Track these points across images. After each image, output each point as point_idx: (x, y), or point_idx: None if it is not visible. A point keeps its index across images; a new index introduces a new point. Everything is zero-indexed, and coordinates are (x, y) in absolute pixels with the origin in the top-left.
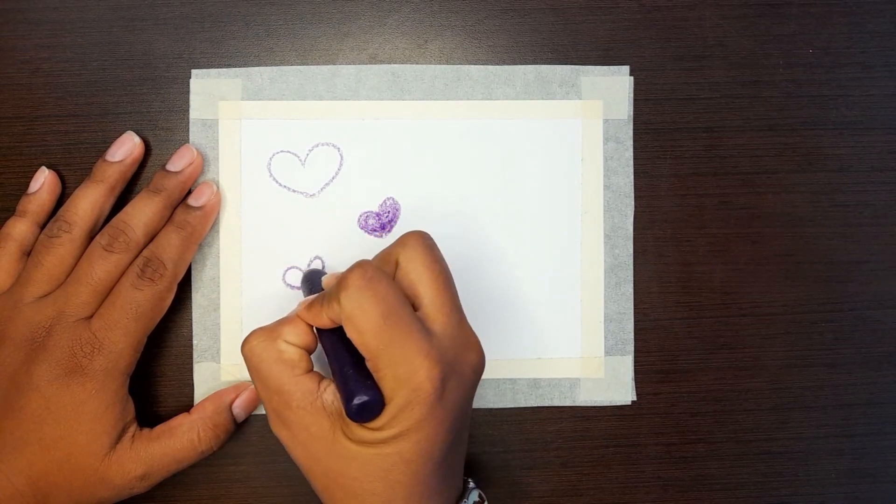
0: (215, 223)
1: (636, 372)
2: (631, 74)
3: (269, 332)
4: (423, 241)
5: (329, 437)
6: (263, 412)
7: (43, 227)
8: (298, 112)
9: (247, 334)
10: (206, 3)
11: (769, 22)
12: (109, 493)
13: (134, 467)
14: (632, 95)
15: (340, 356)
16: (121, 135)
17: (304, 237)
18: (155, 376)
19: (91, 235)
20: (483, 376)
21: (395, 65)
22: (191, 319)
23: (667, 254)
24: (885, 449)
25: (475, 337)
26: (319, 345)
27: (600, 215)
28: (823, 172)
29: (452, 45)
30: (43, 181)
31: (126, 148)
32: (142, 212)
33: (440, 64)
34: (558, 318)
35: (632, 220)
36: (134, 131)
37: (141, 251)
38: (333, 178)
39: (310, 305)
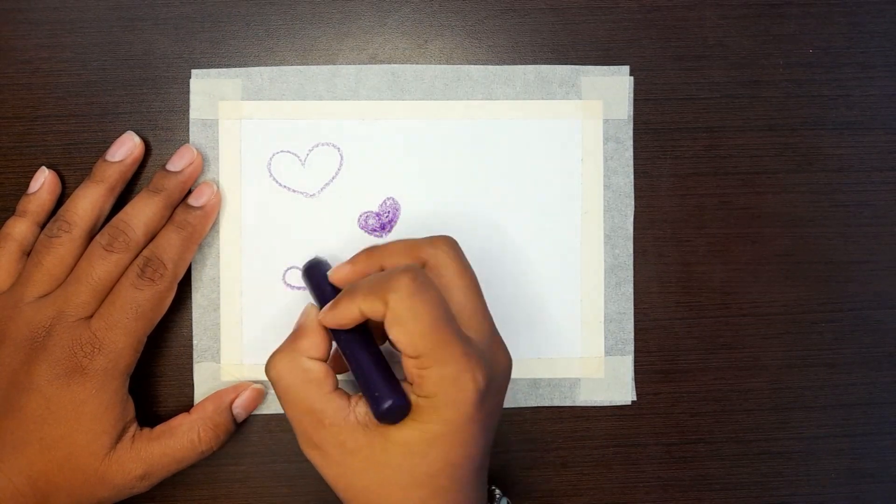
0: (215, 223)
1: (636, 372)
2: (631, 74)
3: (291, 351)
4: (454, 248)
5: (367, 450)
6: (263, 412)
7: (43, 227)
8: (298, 112)
9: (270, 356)
10: (206, 3)
11: (769, 22)
12: (109, 493)
13: (134, 467)
14: (632, 95)
15: (361, 358)
16: (121, 135)
17: (304, 237)
18: (155, 376)
19: (91, 235)
20: None
21: (395, 65)
22: (191, 319)
23: (667, 254)
24: (885, 449)
25: (503, 342)
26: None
27: (600, 215)
28: (823, 172)
29: (452, 45)
30: (43, 181)
31: (126, 148)
32: (142, 212)
33: (440, 64)
34: (558, 318)
35: (632, 220)
36: (134, 131)
37: (141, 251)
38: (333, 178)
39: (335, 304)
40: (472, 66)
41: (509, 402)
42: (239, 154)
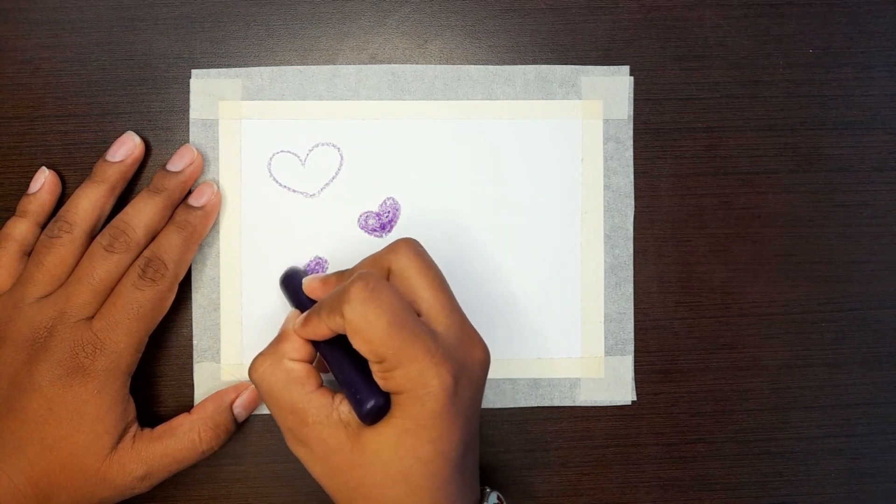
0: (215, 223)
1: (636, 372)
2: (631, 74)
3: (272, 354)
4: (414, 248)
5: (348, 448)
6: (263, 412)
7: (43, 227)
8: (298, 112)
9: (252, 361)
10: (206, 3)
11: (769, 22)
12: (110, 493)
13: (135, 467)
14: (632, 95)
15: (342, 363)
16: (121, 135)
17: (304, 237)
18: (155, 376)
19: (92, 235)
20: None
21: (395, 65)
22: (191, 319)
23: (667, 254)
24: (885, 449)
25: (478, 335)
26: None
27: (600, 215)
28: (823, 172)
29: (452, 45)
30: (43, 181)
31: (126, 148)
32: (142, 212)
33: (440, 64)
34: (558, 318)
35: (632, 220)
36: (134, 131)
37: (142, 251)
38: (333, 178)
39: (306, 321)
40: (472, 66)
41: (509, 402)
42: (239, 154)
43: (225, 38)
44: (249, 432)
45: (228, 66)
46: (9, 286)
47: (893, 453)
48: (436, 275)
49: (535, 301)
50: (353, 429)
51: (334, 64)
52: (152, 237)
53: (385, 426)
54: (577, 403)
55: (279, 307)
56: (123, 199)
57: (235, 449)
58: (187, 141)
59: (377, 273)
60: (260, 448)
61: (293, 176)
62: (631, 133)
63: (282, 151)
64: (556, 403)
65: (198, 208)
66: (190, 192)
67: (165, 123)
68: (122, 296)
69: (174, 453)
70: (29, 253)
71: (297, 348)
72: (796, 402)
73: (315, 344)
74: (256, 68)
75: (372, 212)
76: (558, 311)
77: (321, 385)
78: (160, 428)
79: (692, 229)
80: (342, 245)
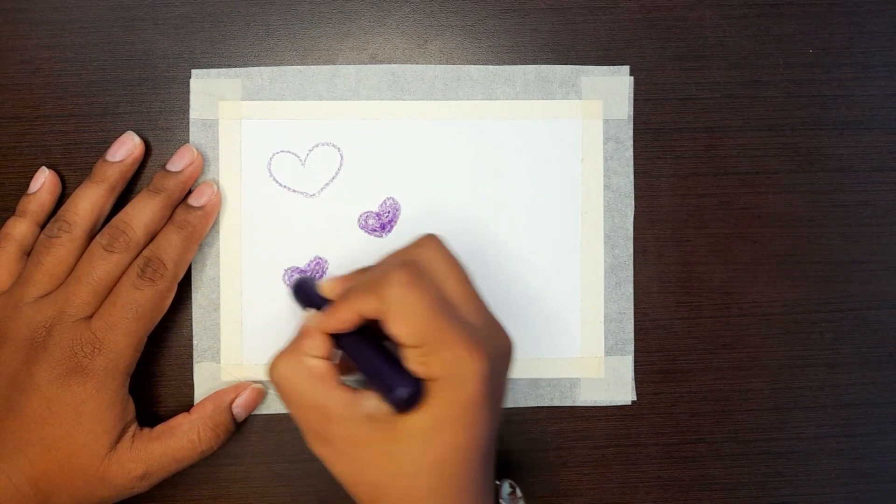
0: (215, 223)
1: (636, 372)
2: (631, 74)
3: (292, 352)
4: (439, 243)
5: (377, 441)
6: (263, 412)
7: (43, 227)
8: (298, 112)
9: (270, 359)
10: (206, 3)
11: (769, 22)
12: (110, 493)
13: (134, 467)
14: (632, 95)
15: (367, 354)
16: (121, 135)
17: (304, 237)
18: (155, 376)
19: (91, 235)
20: None
21: (395, 65)
22: (191, 319)
23: (667, 254)
24: (885, 449)
25: (500, 322)
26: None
27: (600, 215)
28: (823, 172)
29: (452, 45)
30: (43, 181)
31: (126, 148)
32: (142, 212)
33: (440, 64)
34: (558, 318)
35: (632, 220)
36: (134, 131)
37: (141, 251)
38: (333, 178)
39: (332, 311)
40: (472, 66)
41: (509, 402)
42: (239, 154)
43: (225, 38)
44: (249, 432)
45: (228, 66)
46: (8, 286)
47: (893, 453)
48: (461, 268)
49: (535, 301)
50: (382, 421)
51: (334, 64)
52: (152, 237)
53: (420, 413)
54: (577, 403)
55: (279, 307)
56: (123, 199)
57: (235, 449)
58: (187, 141)
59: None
60: (260, 448)
61: (293, 176)
62: (631, 133)
63: (282, 151)
64: (556, 403)
65: (198, 208)
66: (190, 192)
67: (165, 123)
68: (121, 295)
69: (173, 453)
70: (28, 253)
71: (317, 346)
72: (796, 402)
73: (336, 340)
74: (256, 68)
75: (372, 212)
76: (558, 311)
77: (342, 382)
78: (159, 427)
79: (692, 229)
80: (342, 245)
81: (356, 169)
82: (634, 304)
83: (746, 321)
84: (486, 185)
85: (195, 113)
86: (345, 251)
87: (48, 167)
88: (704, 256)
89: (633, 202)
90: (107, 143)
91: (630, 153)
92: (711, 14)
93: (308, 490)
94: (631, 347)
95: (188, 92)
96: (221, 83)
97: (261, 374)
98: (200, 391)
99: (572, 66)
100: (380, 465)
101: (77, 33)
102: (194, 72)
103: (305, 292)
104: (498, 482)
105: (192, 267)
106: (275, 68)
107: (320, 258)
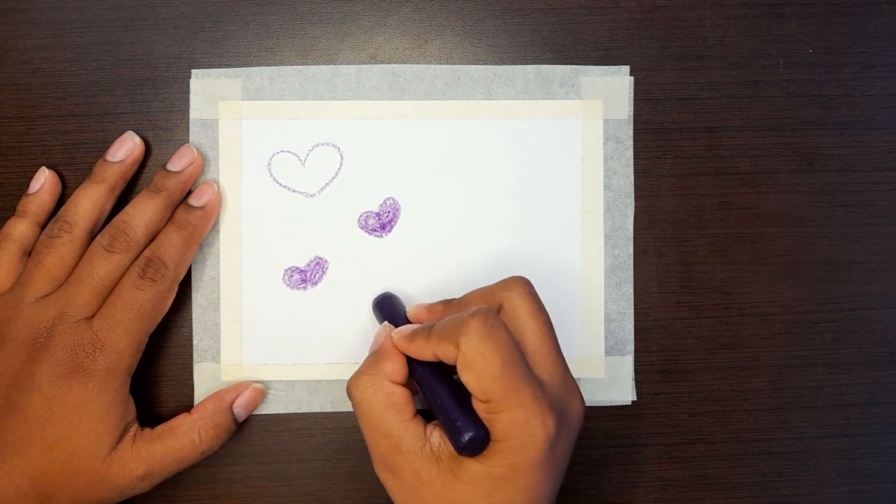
0: (215, 223)
1: (636, 372)
2: (631, 74)
3: (375, 374)
4: (528, 288)
5: (439, 482)
6: (263, 412)
7: (43, 227)
8: (298, 112)
9: (351, 377)
10: (206, 3)
11: (769, 22)
12: (111, 493)
13: (135, 467)
14: (632, 95)
15: (439, 390)
16: (121, 135)
17: (304, 237)
18: (155, 376)
19: (92, 235)
20: None
21: (395, 65)
22: (191, 319)
23: (667, 254)
24: (885, 449)
25: (577, 385)
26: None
27: (600, 215)
28: (823, 172)
29: (452, 45)
30: (43, 181)
31: (126, 148)
32: (142, 212)
33: (440, 64)
34: (558, 318)
35: (632, 220)
36: (134, 131)
37: (142, 251)
38: (333, 178)
39: (412, 337)
40: (472, 66)
41: None
42: (239, 154)
43: (225, 38)
44: (249, 432)
45: (228, 66)
46: (9, 286)
47: (893, 453)
48: (546, 319)
49: None
50: (445, 464)
51: (334, 64)
52: (152, 237)
53: (481, 468)
54: None
55: (279, 307)
56: (123, 199)
57: (235, 449)
58: (187, 141)
59: (490, 308)
60: (260, 448)
61: (293, 176)
62: (631, 133)
63: (282, 151)
64: None
65: (198, 208)
66: (190, 192)
67: (165, 123)
68: (122, 296)
69: (174, 453)
70: (29, 253)
71: (397, 370)
72: (796, 402)
73: (411, 368)
74: (256, 68)
75: (372, 212)
76: (558, 311)
77: (416, 414)
78: (160, 428)
79: (692, 229)
80: (342, 245)
81: (356, 169)
82: (634, 304)
83: (746, 321)
84: (486, 185)
85: (195, 113)
86: (345, 251)
87: (48, 167)
88: (704, 256)
89: (633, 202)
90: (107, 143)
91: (630, 153)
92: (711, 14)
93: (308, 490)
94: (631, 347)
95: (188, 92)
96: (221, 83)
97: (261, 374)
98: (200, 391)
99: (572, 66)
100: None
101: (77, 33)
102: (194, 72)
103: (387, 309)
104: None
105: (192, 267)
106: (275, 68)
107: (320, 258)
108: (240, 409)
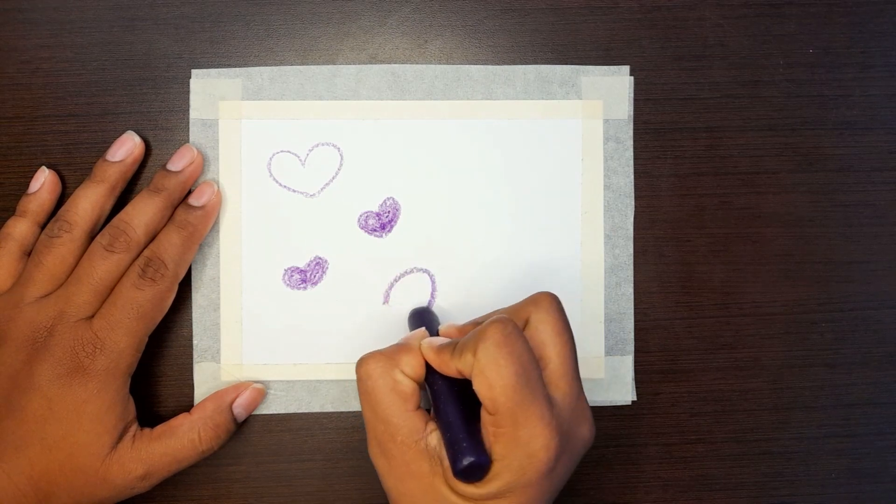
0: (215, 223)
1: (636, 372)
2: (631, 74)
3: (388, 358)
4: (555, 305)
5: (427, 480)
6: (263, 412)
7: (43, 227)
8: (298, 112)
9: (364, 355)
10: (206, 3)
11: (769, 22)
12: (110, 493)
13: (135, 467)
14: (632, 95)
15: (451, 407)
16: (121, 135)
17: (304, 237)
18: (155, 376)
19: (92, 235)
20: None
21: (395, 65)
22: (191, 319)
23: (667, 254)
24: (885, 449)
25: (590, 411)
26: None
27: (600, 215)
28: (823, 172)
29: (452, 45)
30: (43, 181)
31: (126, 148)
32: (142, 211)
33: (440, 64)
34: None
35: (632, 220)
36: (134, 131)
37: (142, 251)
38: (333, 178)
39: (440, 349)
40: (472, 66)
41: None
42: (239, 154)
43: (225, 38)
44: (249, 432)
45: (228, 66)
46: (9, 286)
47: (893, 453)
48: (569, 339)
49: None
50: (437, 463)
51: (334, 64)
52: (152, 237)
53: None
54: None
55: (279, 307)
56: (123, 199)
57: (235, 449)
58: (187, 141)
59: (516, 321)
60: (260, 448)
61: (293, 176)
62: (631, 133)
63: (282, 151)
64: None
65: (198, 208)
66: (190, 192)
67: (165, 123)
68: (122, 295)
69: (174, 453)
70: (29, 253)
71: (413, 365)
72: (796, 402)
73: (429, 381)
74: (256, 68)
75: (372, 212)
76: None
77: (419, 407)
78: (160, 428)
79: (692, 229)
80: (342, 245)
81: (356, 169)
82: (634, 304)
83: (746, 321)
84: (486, 184)
85: (195, 113)
86: (345, 251)
87: (48, 167)
88: (704, 256)
89: (633, 202)
90: (107, 143)
91: (630, 153)
92: (711, 14)
93: (308, 490)
94: (631, 347)
95: (188, 92)
96: (221, 83)
97: (261, 374)
98: (200, 391)
99: (572, 66)
100: (423, 500)
101: (77, 33)
102: (194, 72)
103: (423, 322)
104: None
105: (192, 267)
106: (275, 68)
107: (320, 258)
108: (240, 409)
